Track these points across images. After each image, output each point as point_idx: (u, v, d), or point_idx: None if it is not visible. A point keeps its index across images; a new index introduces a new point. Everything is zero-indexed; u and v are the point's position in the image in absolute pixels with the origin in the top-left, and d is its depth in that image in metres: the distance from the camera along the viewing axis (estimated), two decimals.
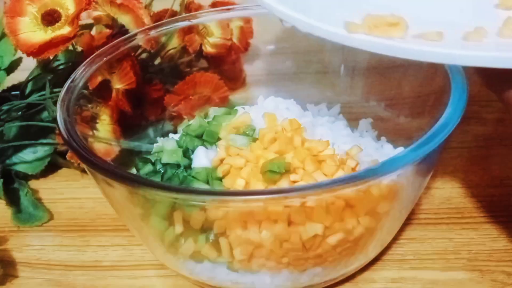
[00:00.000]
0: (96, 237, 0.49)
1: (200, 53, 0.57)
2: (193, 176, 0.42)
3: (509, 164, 0.52)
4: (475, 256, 0.44)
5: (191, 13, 0.56)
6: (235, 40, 0.58)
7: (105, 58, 0.48)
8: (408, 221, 0.47)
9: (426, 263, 0.44)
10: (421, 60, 0.34)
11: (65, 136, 0.39)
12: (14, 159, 0.55)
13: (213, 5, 0.59)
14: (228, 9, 0.55)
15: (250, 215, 0.37)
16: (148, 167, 0.45)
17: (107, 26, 0.53)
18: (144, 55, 0.55)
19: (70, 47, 0.52)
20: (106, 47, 0.49)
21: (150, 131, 0.54)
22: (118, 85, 0.49)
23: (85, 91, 0.46)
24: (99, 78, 0.48)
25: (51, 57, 0.50)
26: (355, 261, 0.41)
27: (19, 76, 0.56)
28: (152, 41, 0.52)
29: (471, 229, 0.46)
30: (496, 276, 0.42)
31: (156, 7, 0.58)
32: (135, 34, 0.51)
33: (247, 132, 0.44)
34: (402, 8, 0.36)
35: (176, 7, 0.58)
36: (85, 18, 0.51)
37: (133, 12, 0.51)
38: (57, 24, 0.47)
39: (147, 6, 0.56)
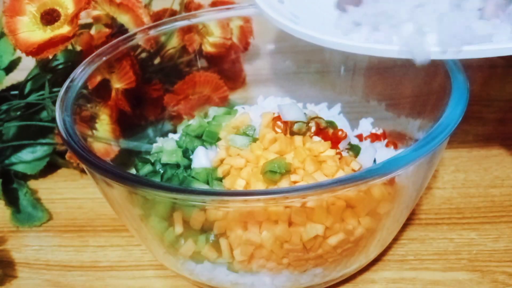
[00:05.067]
0: (95, 237, 0.49)
1: (199, 53, 0.57)
2: (193, 177, 0.42)
3: (510, 164, 0.52)
4: (476, 256, 0.44)
5: (190, 13, 0.56)
6: (235, 39, 0.58)
7: (104, 58, 0.48)
8: (408, 222, 0.47)
9: (426, 263, 0.44)
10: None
11: (64, 136, 0.39)
12: (13, 159, 0.55)
13: (213, 4, 0.59)
14: (228, 8, 0.55)
15: (250, 215, 0.37)
16: (148, 167, 0.45)
17: (106, 25, 0.53)
18: (143, 55, 0.55)
19: (69, 47, 0.52)
20: (105, 46, 0.48)
21: (150, 131, 0.54)
22: (117, 84, 0.49)
23: (85, 91, 0.46)
24: (99, 78, 0.48)
25: (50, 57, 0.50)
26: (355, 261, 0.41)
27: (18, 75, 0.56)
28: (152, 41, 0.52)
29: (471, 229, 0.46)
30: (497, 277, 0.42)
31: (156, 6, 0.58)
32: (135, 34, 0.51)
33: (247, 132, 0.44)
34: None
35: (176, 7, 0.58)
36: (84, 18, 0.51)
37: (132, 11, 0.51)
38: (56, 24, 0.47)
39: (147, 6, 0.56)
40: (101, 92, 0.49)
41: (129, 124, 0.52)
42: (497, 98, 0.60)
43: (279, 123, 0.43)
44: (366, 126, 0.50)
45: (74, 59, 0.52)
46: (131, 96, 0.51)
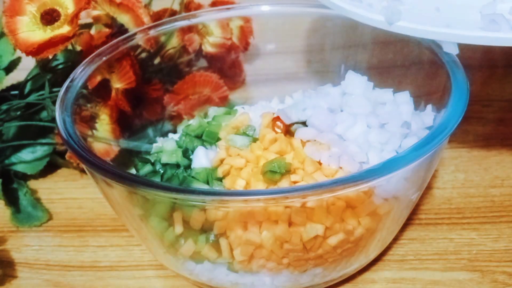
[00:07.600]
0: (95, 237, 0.49)
1: (199, 53, 0.57)
2: (193, 177, 0.42)
3: (510, 164, 0.52)
4: (476, 256, 0.44)
5: (190, 13, 0.56)
6: (235, 39, 0.58)
7: (104, 58, 0.48)
8: (408, 222, 0.47)
9: (426, 263, 0.44)
10: None
11: (64, 136, 0.39)
12: (13, 159, 0.55)
13: (213, 4, 0.59)
14: (228, 8, 0.55)
15: (250, 215, 0.37)
16: (148, 167, 0.45)
17: (106, 25, 0.53)
18: (143, 55, 0.55)
19: (69, 47, 0.52)
20: (105, 46, 0.48)
21: (150, 131, 0.54)
22: (117, 84, 0.49)
23: (84, 91, 0.46)
24: (99, 78, 0.48)
25: (50, 57, 0.50)
26: (355, 261, 0.41)
27: (18, 75, 0.56)
28: (152, 41, 0.52)
29: (471, 229, 0.46)
30: (497, 277, 0.42)
31: (156, 6, 0.58)
32: (135, 34, 0.51)
33: (247, 132, 0.44)
34: None
35: (176, 6, 0.58)
36: (84, 18, 0.51)
37: (132, 11, 0.51)
38: (56, 24, 0.47)
39: (147, 5, 0.56)
40: (101, 92, 0.49)
41: (129, 124, 0.52)
42: (497, 98, 0.60)
43: (278, 123, 0.43)
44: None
45: (74, 59, 0.52)
46: (131, 96, 0.51)
